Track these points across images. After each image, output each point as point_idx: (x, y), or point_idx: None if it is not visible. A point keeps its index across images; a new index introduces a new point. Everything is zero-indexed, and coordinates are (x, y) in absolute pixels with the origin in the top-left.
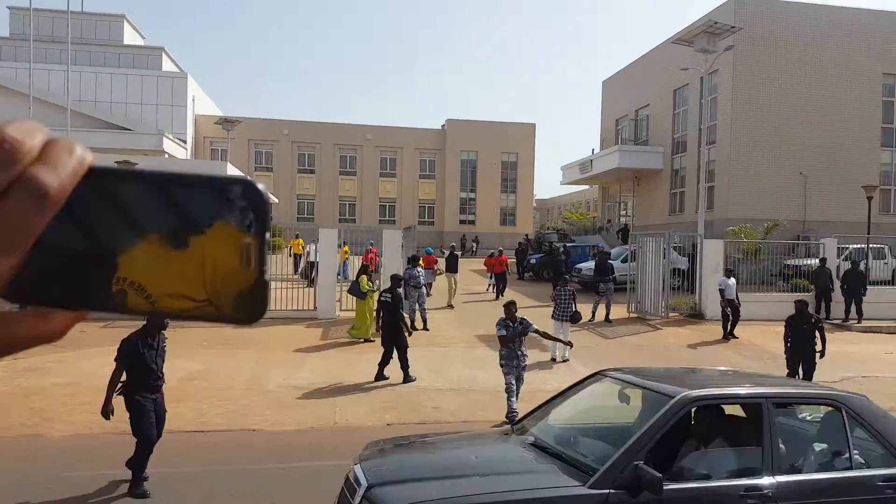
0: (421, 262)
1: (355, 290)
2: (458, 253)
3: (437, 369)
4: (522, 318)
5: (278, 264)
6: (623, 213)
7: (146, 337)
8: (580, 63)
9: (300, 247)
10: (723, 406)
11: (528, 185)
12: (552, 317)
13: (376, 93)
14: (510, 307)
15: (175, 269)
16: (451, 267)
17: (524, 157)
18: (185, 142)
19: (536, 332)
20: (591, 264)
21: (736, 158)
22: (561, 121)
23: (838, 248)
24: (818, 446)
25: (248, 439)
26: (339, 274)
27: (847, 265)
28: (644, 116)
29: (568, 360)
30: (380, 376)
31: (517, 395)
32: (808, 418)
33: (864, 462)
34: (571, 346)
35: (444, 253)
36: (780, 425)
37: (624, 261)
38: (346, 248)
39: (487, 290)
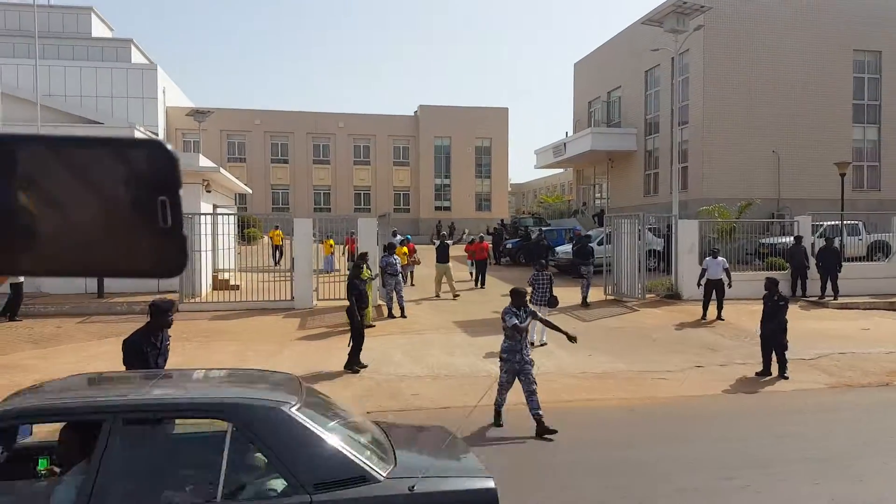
0: (404, 249)
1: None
2: (450, 242)
3: (416, 356)
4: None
5: (254, 255)
6: (598, 195)
7: (149, 336)
8: (553, 46)
9: (280, 238)
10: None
11: (503, 170)
12: (530, 301)
13: (348, 80)
14: (520, 293)
15: (91, 229)
16: (443, 257)
17: (498, 141)
18: (156, 134)
19: (540, 320)
20: (568, 248)
21: (708, 138)
22: (534, 104)
23: (813, 225)
24: (187, 473)
25: None
26: (326, 269)
27: (822, 242)
28: (616, 98)
29: (546, 343)
30: (356, 364)
31: (537, 402)
32: (200, 435)
33: (252, 494)
34: (575, 341)
35: (434, 242)
36: (134, 448)
37: (600, 243)
38: (331, 241)
39: (472, 277)
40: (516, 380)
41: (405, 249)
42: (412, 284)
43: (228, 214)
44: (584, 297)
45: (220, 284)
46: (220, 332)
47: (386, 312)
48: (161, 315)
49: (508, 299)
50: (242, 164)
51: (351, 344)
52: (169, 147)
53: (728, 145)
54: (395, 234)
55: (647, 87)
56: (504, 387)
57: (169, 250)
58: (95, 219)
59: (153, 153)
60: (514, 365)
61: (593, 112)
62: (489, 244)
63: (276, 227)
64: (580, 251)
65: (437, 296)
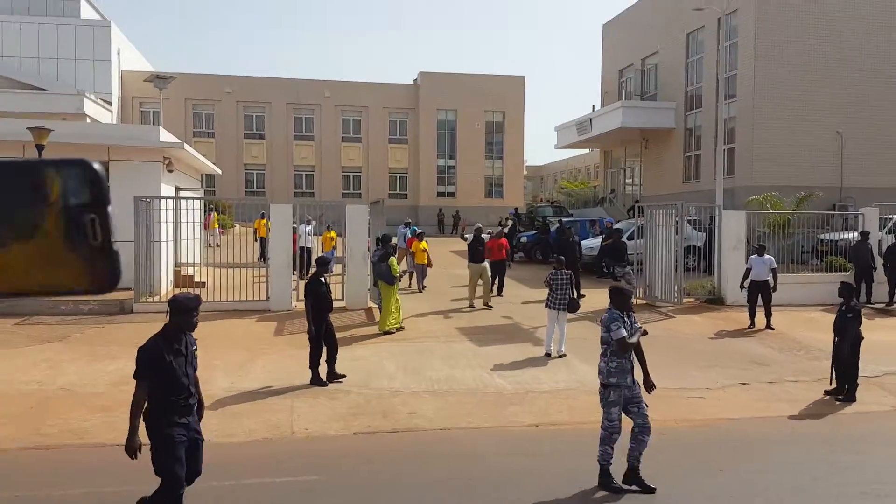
0: (423, 245)
1: (385, 273)
2: (487, 235)
3: (413, 368)
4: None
5: (226, 247)
6: (629, 181)
7: (170, 341)
8: (578, 2)
9: (266, 229)
10: None
11: (518, 150)
12: (546, 305)
13: (335, 41)
14: (624, 293)
15: (20, 250)
16: (477, 256)
17: (512, 116)
18: (109, 103)
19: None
20: (593, 243)
21: (760, 115)
22: (555, 73)
23: (881, 219)
24: None
25: None
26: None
27: (891, 239)
28: (652, 66)
29: (565, 355)
30: (333, 376)
31: (646, 445)
32: None
33: None
34: (646, 333)
35: (465, 238)
36: None
37: (630, 237)
38: (333, 234)
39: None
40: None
41: (423, 245)
42: (422, 289)
43: (194, 198)
44: None
45: (182, 281)
46: None
47: (377, 316)
48: (183, 315)
49: (526, 304)
50: (211, 139)
51: (322, 355)
52: (95, 165)
53: (783, 124)
54: (406, 226)
55: (689, 53)
56: (614, 427)
57: (101, 267)
58: (26, 241)
59: (79, 172)
60: (625, 391)
61: (625, 82)
62: (507, 241)
63: (263, 216)
64: (612, 248)
65: (472, 305)
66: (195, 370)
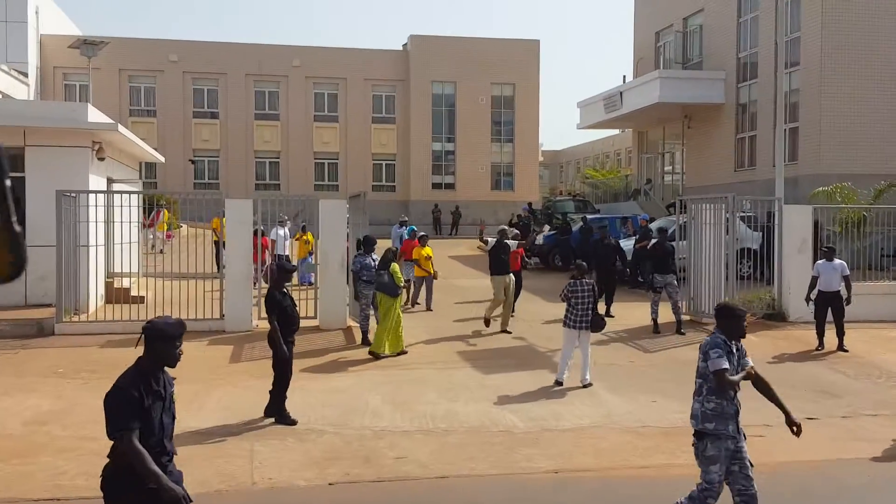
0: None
1: (389, 285)
2: (511, 242)
3: (402, 401)
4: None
5: (172, 253)
6: (668, 168)
7: (147, 379)
8: None
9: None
10: None
11: (532, 132)
12: (564, 323)
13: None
14: (736, 314)
15: None
16: (501, 266)
17: (524, 89)
18: (25, 75)
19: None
20: (625, 245)
21: (829, 87)
22: (577, 36)
23: None
24: None
25: None
26: (302, 279)
27: None
28: (695, 27)
29: (590, 384)
30: (282, 415)
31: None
32: None
33: None
34: (753, 375)
35: (485, 242)
36: None
37: (671, 239)
38: (310, 236)
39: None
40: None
41: (427, 251)
42: (411, 305)
43: (131, 192)
44: (655, 320)
45: (117, 295)
46: (117, 365)
47: (359, 338)
48: (164, 344)
49: (540, 319)
50: (152, 119)
51: (273, 386)
52: None
53: (858, 98)
54: (402, 225)
55: (741, 10)
56: (712, 491)
57: None
58: None
59: None
60: (728, 443)
61: (662, 48)
62: (523, 249)
63: (223, 214)
64: (656, 253)
65: (507, 331)
66: (173, 419)
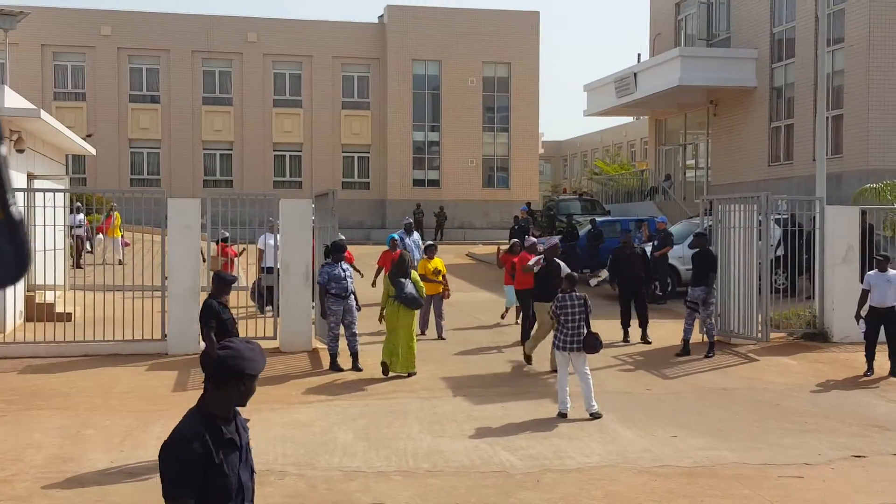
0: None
1: (414, 297)
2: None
3: (378, 437)
4: None
5: (134, 265)
6: (690, 162)
7: (216, 426)
8: None
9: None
10: None
11: (531, 119)
12: (554, 345)
13: None
14: None
15: None
16: (550, 291)
17: (522, 69)
18: None
19: None
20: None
21: (879, 68)
22: (584, 8)
23: None
24: None
25: None
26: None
27: None
28: None
29: (599, 415)
30: None
31: None
32: None
33: None
34: None
35: (538, 259)
36: None
37: (691, 246)
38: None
39: (503, 316)
40: None
41: (436, 264)
42: (442, 337)
43: (55, 191)
44: (687, 341)
45: (38, 311)
46: (39, 394)
47: (326, 362)
48: (241, 380)
49: (544, 337)
50: (81, 102)
51: None
52: None
53: None
54: (409, 229)
55: None
56: None
57: None
58: None
59: None
60: None
61: (684, 21)
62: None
63: (113, 208)
64: (701, 262)
65: (530, 361)
66: (253, 473)
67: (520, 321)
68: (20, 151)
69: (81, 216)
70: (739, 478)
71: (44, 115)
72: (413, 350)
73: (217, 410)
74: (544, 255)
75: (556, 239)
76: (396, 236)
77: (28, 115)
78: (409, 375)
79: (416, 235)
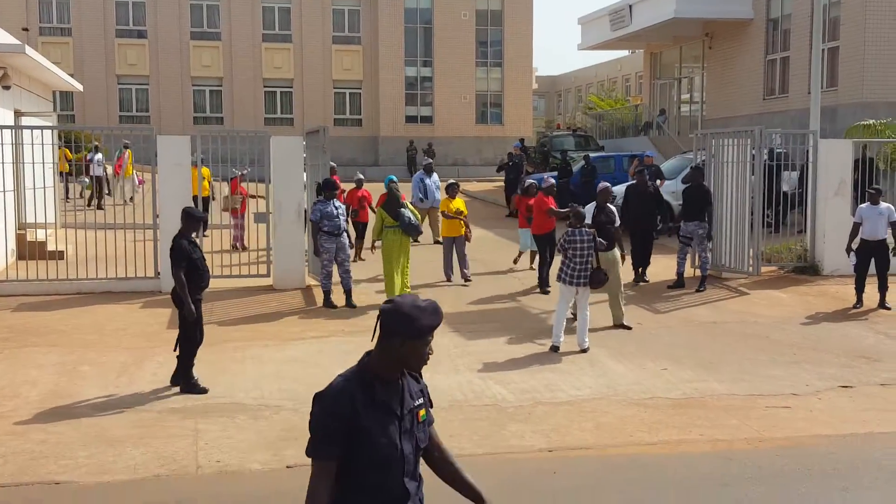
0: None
1: (412, 223)
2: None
3: None
4: None
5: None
6: (685, 96)
7: (371, 388)
8: None
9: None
10: None
11: (525, 54)
12: (559, 278)
13: None
14: None
15: None
16: (607, 240)
17: (516, 2)
18: None
19: None
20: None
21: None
22: None
23: None
24: None
25: (51, 498)
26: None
27: None
28: None
29: (588, 349)
30: (189, 383)
31: None
32: None
33: None
34: None
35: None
36: None
37: (685, 181)
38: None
39: (516, 261)
40: None
41: (457, 204)
42: (468, 279)
43: (43, 128)
44: (681, 274)
45: (31, 250)
46: (34, 331)
47: (320, 299)
48: (412, 338)
49: (533, 277)
50: (66, 38)
51: (177, 348)
52: None
53: None
54: (430, 169)
55: None
56: None
57: None
58: None
59: None
60: None
61: None
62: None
63: (96, 147)
64: (691, 196)
65: (626, 326)
66: (420, 445)
67: (535, 266)
68: (6, 88)
69: (100, 155)
70: (728, 408)
71: (28, 50)
72: (408, 276)
73: (379, 370)
74: (596, 202)
75: (552, 180)
76: (394, 178)
77: (12, 51)
78: None
79: (435, 175)
